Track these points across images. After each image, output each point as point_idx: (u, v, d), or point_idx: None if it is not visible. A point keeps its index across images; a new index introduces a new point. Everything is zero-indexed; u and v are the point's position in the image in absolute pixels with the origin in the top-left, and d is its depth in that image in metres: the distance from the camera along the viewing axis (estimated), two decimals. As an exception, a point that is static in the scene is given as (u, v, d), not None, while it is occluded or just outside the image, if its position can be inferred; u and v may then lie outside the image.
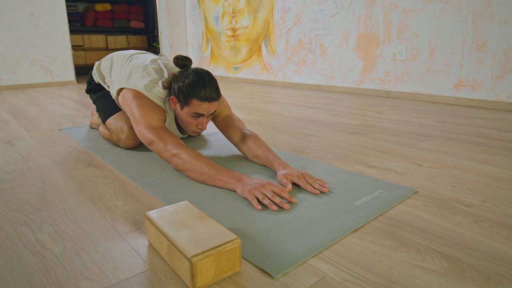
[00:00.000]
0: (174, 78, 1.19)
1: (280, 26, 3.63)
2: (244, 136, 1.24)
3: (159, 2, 4.68)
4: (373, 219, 0.82)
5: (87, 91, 1.64)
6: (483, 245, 0.71)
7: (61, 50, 3.91)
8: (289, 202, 0.89)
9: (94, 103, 1.62)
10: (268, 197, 0.88)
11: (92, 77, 1.61)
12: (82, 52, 5.34)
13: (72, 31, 5.29)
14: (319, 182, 1.00)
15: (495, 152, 1.33)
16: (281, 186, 0.92)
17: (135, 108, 1.18)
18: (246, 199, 0.92)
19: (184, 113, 1.17)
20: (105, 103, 1.50)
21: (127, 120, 1.38)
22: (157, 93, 1.22)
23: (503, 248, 0.70)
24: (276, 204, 0.87)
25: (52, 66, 3.89)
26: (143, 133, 1.13)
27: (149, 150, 1.38)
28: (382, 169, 1.16)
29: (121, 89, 1.32)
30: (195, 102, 1.12)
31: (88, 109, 2.37)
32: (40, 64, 3.80)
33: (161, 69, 1.32)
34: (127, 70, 1.33)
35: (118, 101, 1.37)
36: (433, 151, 1.35)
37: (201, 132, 1.21)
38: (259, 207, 0.86)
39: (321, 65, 3.31)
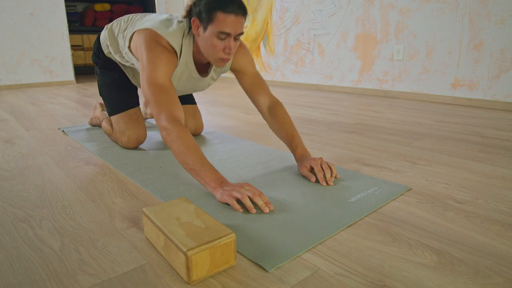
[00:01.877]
0: (194, 2, 1.09)
1: (279, 26, 3.64)
2: (272, 108, 1.20)
3: (158, 2, 4.70)
4: (366, 215, 0.83)
5: (94, 61, 1.50)
6: (473, 240, 0.72)
7: (60, 50, 3.92)
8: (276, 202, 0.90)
9: (98, 80, 1.49)
10: (249, 196, 0.85)
11: (100, 44, 1.45)
12: (81, 52, 5.35)
13: (71, 31, 5.31)
14: (333, 175, 1.05)
15: (490, 151, 1.34)
16: (258, 191, 0.87)
17: (143, 52, 1.09)
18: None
19: (208, 35, 1.05)
20: (113, 94, 1.42)
21: (131, 123, 1.37)
22: (172, 30, 1.12)
23: (492, 243, 0.71)
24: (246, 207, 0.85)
25: (52, 66, 3.90)
26: (144, 87, 1.06)
27: (147, 149, 1.40)
28: (377, 167, 1.17)
29: (132, 38, 1.21)
30: (220, 16, 1.01)
31: (87, 109, 2.38)
32: (39, 64, 3.81)
33: (175, 17, 1.22)
34: (141, 21, 1.24)
35: (131, 51, 1.25)
36: (428, 150, 1.37)
37: (228, 60, 1.09)
38: (241, 210, 0.84)
39: (319, 65, 3.33)
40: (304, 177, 1.07)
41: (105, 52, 1.41)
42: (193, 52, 1.19)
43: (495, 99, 2.27)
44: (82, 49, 5.36)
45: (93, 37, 5.39)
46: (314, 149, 1.39)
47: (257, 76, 1.25)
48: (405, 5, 2.61)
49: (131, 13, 5.87)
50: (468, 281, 0.60)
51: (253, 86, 1.23)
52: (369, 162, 1.23)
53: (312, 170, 1.07)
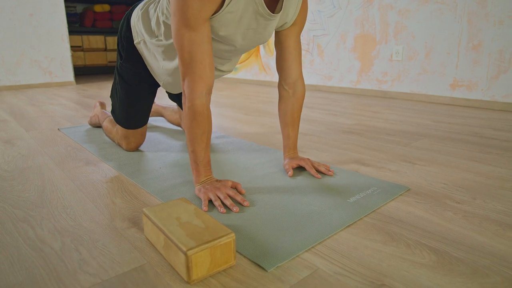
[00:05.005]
0: None
1: (278, 27, 3.65)
2: (297, 87, 1.10)
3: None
4: (365, 215, 0.84)
5: (118, 53, 1.31)
6: (471, 239, 0.73)
7: (60, 51, 3.92)
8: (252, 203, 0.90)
9: (116, 81, 1.33)
10: (220, 199, 0.88)
11: (128, 32, 1.23)
12: (81, 53, 5.35)
13: (71, 31, 5.31)
14: (325, 166, 1.11)
15: (488, 151, 1.35)
16: (235, 191, 0.92)
17: None
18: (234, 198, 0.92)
19: None
20: (128, 109, 1.31)
21: (135, 135, 1.35)
22: None
23: (491, 242, 0.72)
24: (226, 206, 0.88)
25: (51, 66, 3.90)
26: (173, 38, 0.88)
27: (147, 150, 1.40)
28: (376, 168, 1.18)
29: None
30: None
31: (87, 110, 2.38)
32: (39, 65, 3.82)
33: None
34: None
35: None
36: (427, 150, 1.37)
37: None
38: (206, 208, 0.86)
39: (318, 66, 3.33)
40: (299, 178, 1.08)
41: (136, 41, 1.21)
42: None
43: (494, 99, 2.28)
44: (82, 50, 5.36)
45: (92, 38, 5.39)
46: (313, 149, 1.40)
47: (300, 42, 1.08)
48: (404, 6, 2.62)
49: (131, 14, 5.86)
50: (466, 280, 0.60)
51: (295, 50, 1.06)
52: (368, 162, 1.23)
53: (298, 168, 1.15)
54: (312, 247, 0.71)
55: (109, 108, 2.39)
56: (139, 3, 1.22)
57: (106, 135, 1.53)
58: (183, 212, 0.71)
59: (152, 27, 1.13)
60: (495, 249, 0.69)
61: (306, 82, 3.47)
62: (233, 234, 0.63)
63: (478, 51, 2.30)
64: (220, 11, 0.86)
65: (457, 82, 2.43)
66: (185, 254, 0.59)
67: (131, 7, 1.25)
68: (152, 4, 1.15)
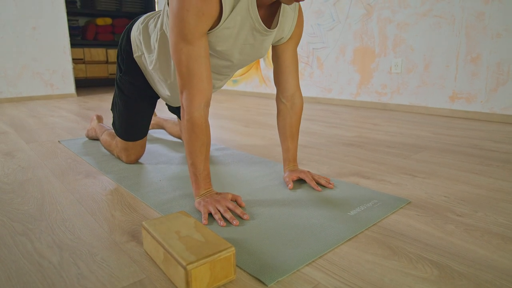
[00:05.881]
0: None
1: (278, 40, 3.68)
2: (295, 100, 1.11)
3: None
4: (366, 229, 0.83)
5: (117, 64, 1.32)
6: (473, 253, 0.72)
7: (61, 64, 3.96)
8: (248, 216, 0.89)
9: (116, 93, 1.34)
10: (220, 212, 0.88)
11: (127, 45, 1.25)
12: (83, 65, 5.39)
13: (73, 44, 5.36)
14: (325, 179, 1.11)
15: (488, 163, 1.35)
16: (235, 203, 0.92)
17: (173, 3, 0.84)
18: (234, 210, 0.91)
19: None
20: (128, 121, 1.31)
21: (135, 147, 1.34)
22: None
23: (493, 256, 0.71)
24: (226, 220, 0.87)
25: (53, 79, 3.92)
26: (171, 53, 0.89)
27: (147, 162, 1.40)
28: (376, 180, 1.17)
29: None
30: None
31: (87, 122, 2.39)
32: (40, 77, 3.84)
33: None
34: None
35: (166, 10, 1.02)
36: (427, 162, 1.37)
37: None
38: (205, 222, 0.85)
39: (318, 78, 3.36)
40: (299, 190, 1.08)
41: (135, 55, 1.23)
42: None
43: (493, 111, 2.29)
44: (83, 63, 5.40)
45: (94, 51, 5.44)
46: (313, 162, 1.39)
47: (297, 55, 1.10)
48: (402, 19, 2.65)
49: (132, 27, 5.92)
50: (468, 295, 0.60)
51: (292, 64, 1.08)
52: (368, 175, 1.23)
53: (298, 181, 1.15)
54: (313, 261, 0.70)
55: (107, 121, 2.40)
56: (140, 17, 1.24)
57: (105, 148, 1.53)
58: (183, 226, 0.71)
59: (152, 43, 1.15)
60: (497, 262, 0.69)
61: (306, 95, 3.49)
62: (233, 248, 0.63)
63: (477, 63, 2.32)
64: (217, 26, 0.88)
65: (456, 95, 2.45)
66: (185, 268, 0.58)
67: (131, 21, 1.26)
68: (152, 19, 1.17)
